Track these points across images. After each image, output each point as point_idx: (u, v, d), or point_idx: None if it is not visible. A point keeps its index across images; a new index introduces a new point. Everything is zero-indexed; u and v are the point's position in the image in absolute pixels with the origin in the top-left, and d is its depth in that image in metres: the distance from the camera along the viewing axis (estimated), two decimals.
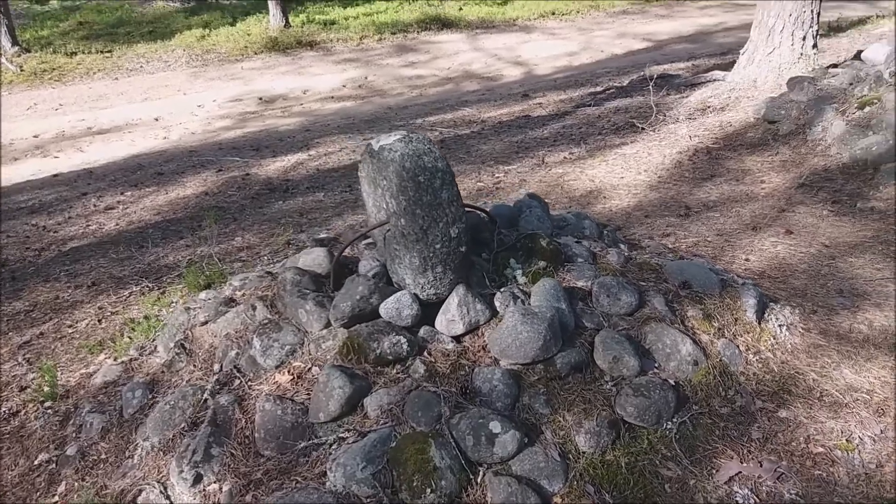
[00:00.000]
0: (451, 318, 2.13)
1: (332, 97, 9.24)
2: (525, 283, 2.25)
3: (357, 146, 6.12)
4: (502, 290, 2.21)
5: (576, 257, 2.37)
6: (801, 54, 5.60)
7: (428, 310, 2.18)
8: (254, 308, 2.41)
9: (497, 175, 4.52)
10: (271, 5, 11.68)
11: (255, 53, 11.07)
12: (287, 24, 11.84)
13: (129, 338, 2.68)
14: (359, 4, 14.12)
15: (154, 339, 2.57)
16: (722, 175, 3.92)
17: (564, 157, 4.75)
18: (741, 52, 5.99)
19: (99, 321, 2.98)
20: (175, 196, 4.97)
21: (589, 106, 6.60)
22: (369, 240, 2.51)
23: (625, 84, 7.47)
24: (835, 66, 5.30)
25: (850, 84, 4.18)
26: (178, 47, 11.18)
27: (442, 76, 10.19)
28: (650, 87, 7.12)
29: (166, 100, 8.88)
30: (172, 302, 2.91)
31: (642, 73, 7.88)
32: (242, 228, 4.09)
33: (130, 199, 4.99)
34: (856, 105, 3.92)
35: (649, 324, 2.14)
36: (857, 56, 4.97)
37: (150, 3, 15.57)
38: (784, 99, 4.45)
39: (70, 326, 2.97)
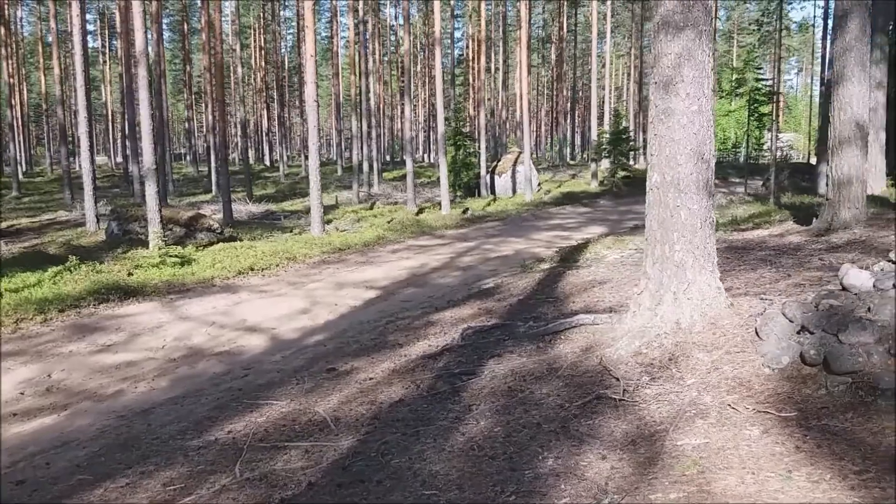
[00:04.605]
0: None
1: (13, 413, 6.10)
2: None
3: None
4: None
5: None
6: (718, 288, 5.07)
7: None
8: None
9: None
10: None
11: None
12: None
13: None
14: None
15: None
16: None
17: (612, 474, 3.11)
18: (637, 292, 5.25)
19: None
20: None
21: (461, 378, 5.07)
22: None
23: (458, 342, 6.18)
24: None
25: None
26: None
27: (162, 358, 7.70)
28: (504, 338, 6.02)
29: None
30: None
31: (468, 325, 6.75)
32: None
33: None
34: None
35: None
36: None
37: None
38: (829, 342, 3.64)
39: None
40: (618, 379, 4.34)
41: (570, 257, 10.25)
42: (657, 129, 4.92)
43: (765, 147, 34.84)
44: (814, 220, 8.76)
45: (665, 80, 4.82)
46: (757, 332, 4.41)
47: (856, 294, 4.07)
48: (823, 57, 35.01)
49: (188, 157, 53.66)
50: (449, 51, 42.22)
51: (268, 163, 54.88)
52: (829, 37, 30.16)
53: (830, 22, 28.92)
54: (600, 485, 3.03)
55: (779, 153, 27.21)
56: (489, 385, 4.79)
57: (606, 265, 9.08)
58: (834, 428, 3.18)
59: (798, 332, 4.01)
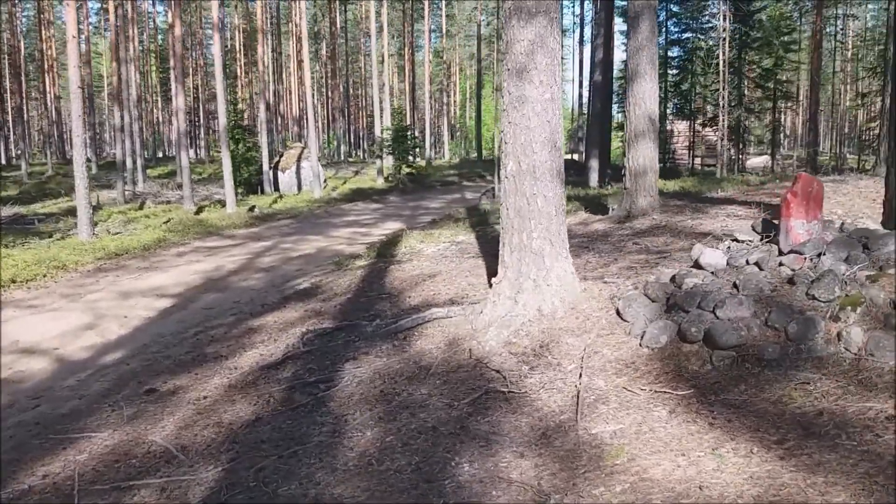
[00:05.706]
0: None
1: None
2: None
3: None
4: None
5: None
6: (573, 274, 5.14)
7: None
8: None
9: None
10: None
11: None
12: None
13: None
14: None
15: None
16: (814, 437, 2.91)
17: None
18: (495, 281, 5.17)
19: None
20: None
21: (319, 387, 4.62)
22: None
23: (301, 348, 5.69)
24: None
25: (774, 291, 3.84)
26: None
27: None
28: (353, 340, 5.72)
29: None
30: None
31: (307, 329, 6.28)
32: None
33: None
34: (849, 308, 3.55)
35: None
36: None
37: None
38: (708, 318, 3.79)
39: None
40: (497, 371, 4.22)
41: (386, 252, 10.04)
42: (511, 117, 4.87)
43: None
44: (611, 209, 9.45)
45: (519, 68, 4.78)
46: (619, 314, 4.53)
47: (712, 272, 4.33)
48: (581, 62, 38.49)
49: None
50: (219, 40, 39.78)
51: (3, 161, 47.77)
52: (587, 43, 33.22)
53: (588, 30, 31.79)
54: (534, 486, 2.86)
55: None
56: (357, 391, 4.42)
57: (428, 259, 9.00)
58: (734, 401, 3.31)
59: (667, 312, 4.17)
